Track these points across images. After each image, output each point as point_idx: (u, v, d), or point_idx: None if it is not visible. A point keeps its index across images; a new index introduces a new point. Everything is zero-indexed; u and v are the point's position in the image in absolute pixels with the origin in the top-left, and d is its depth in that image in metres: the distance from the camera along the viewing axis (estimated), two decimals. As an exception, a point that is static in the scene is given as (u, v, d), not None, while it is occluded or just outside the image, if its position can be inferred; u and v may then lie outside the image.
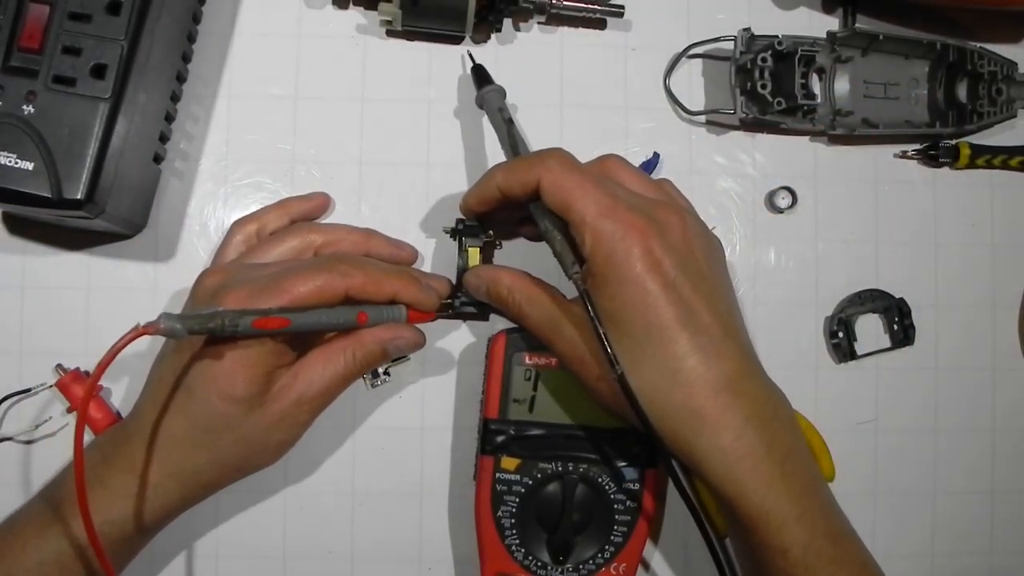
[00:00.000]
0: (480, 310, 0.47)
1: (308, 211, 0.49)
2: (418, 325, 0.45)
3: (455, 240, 0.48)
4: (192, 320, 0.36)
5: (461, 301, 0.47)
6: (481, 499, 0.46)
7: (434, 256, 0.50)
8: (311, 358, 0.42)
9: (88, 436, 0.48)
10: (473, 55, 0.50)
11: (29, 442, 0.48)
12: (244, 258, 0.44)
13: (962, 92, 0.52)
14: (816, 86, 0.51)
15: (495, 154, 0.51)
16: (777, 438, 0.39)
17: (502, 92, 0.49)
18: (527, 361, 0.46)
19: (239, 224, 0.47)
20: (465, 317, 0.49)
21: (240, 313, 0.37)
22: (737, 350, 0.39)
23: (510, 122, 0.47)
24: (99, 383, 0.48)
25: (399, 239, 0.49)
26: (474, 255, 0.47)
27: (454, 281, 0.47)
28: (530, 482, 0.46)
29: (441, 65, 0.51)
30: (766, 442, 0.38)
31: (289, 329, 0.38)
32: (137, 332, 0.35)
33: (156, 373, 0.42)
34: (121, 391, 0.48)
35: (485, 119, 0.50)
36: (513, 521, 0.45)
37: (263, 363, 0.40)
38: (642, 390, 0.38)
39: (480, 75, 0.50)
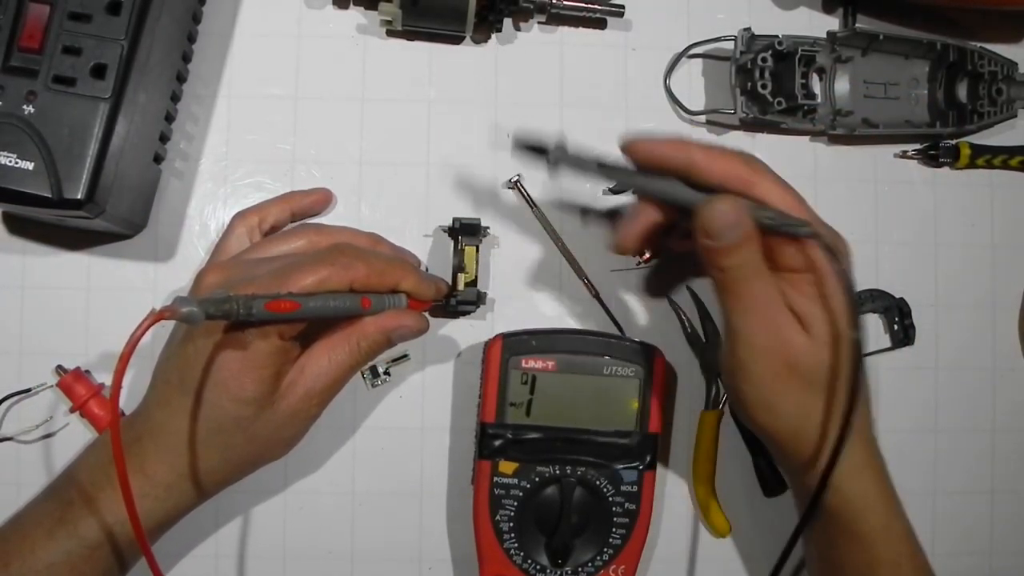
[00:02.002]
0: (475, 307, 0.48)
1: (310, 205, 0.49)
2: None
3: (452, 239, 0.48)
4: (208, 304, 0.35)
5: (458, 300, 0.47)
6: (479, 503, 0.46)
7: (433, 256, 0.50)
8: (315, 351, 0.42)
9: (92, 434, 0.48)
10: (513, 142, 0.43)
11: (29, 442, 0.48)
12: (246, 254, 0.44)
13: (962, 92, 0.52)
14: (816, 86, 0.51)
15: (495, 154, 0.51)
16: (880, 454, 0.42)
17: (562, 145, 0.42)
18: (524, 365, 0.46)
19: (240, 216, 0.47)
20: (461, 315, 0.50)
21: (252, 297, 0.37)
22: None
23: (598, 162, 0.41)
24: (100, 382, 0.48)
25: (403, 247, 0.49)
26: (470, 254, 0.47)
27: (449, 281, 0.47)
28: (528, 486, 0.46)
29: (441, 65, 0.51)
30: (880, 457, 0.41)
31: (299, 313, 0.38)
32: (155, 317, 0.34)
33: (162, 373, 0.42)
34: (124, 384, 0.48)
35: (487, 119, 0.51)
36: (511, 524, 0.45)
37: (270, 363, 0.40)
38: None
39: (532, 146, 0.42)
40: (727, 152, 0.40)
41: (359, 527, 0.49)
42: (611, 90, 0.52)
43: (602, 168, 0.41)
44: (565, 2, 0.50)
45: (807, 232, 0.38)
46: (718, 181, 0.39)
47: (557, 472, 0.46)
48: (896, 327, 0.52)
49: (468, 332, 0.50)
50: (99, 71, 0.41)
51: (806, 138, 0.53)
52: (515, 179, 0.50)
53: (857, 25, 0.52)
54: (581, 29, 0.52)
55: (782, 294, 0.39)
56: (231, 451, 0.41)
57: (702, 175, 0.39)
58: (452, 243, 0.48)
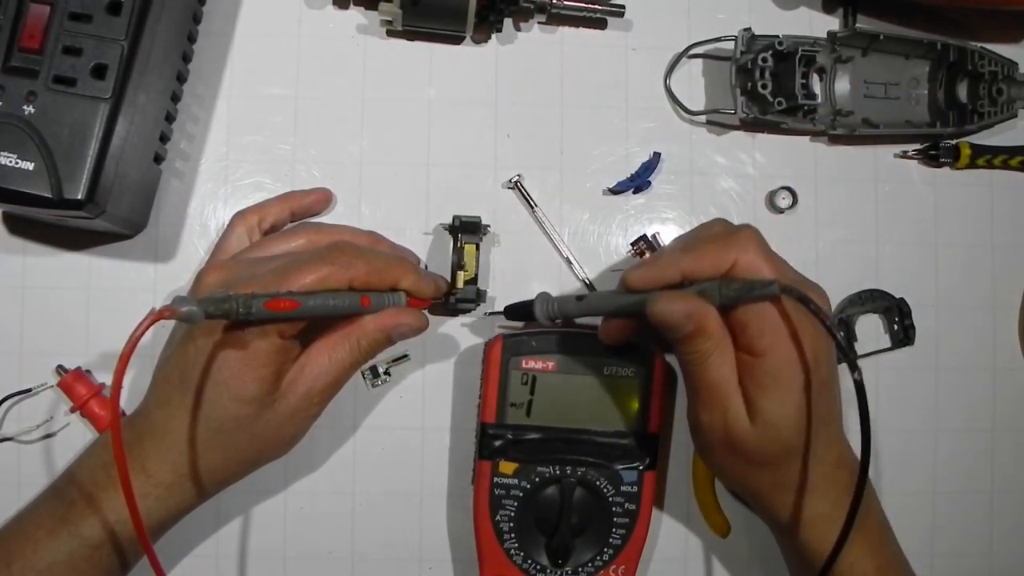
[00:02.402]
0: (475, 305, 0.48)
1: (309, 205, 0.49)
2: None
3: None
4: (208, 303, 0.36)
5: (457, 298, 0.47)
6: (479, 503, 0.46)
7: (434, 254, 0.50)
8: (316, 350, 0.42)
9: (92, 434, 0.48)
10: (504, 313, 0.48)
11: (30, 442, 0.48)
12: (245, 254, 0.44)
13: (962, 92, 0.52)
14: (816, 86, 0.51)
15: (494, 154, 0.51)
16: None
17: (545, 296, 0.46)
18: (524, 365, 0.46)
19: (240, 216, 0.47)
20: (460, 313, 0.50)
21: (252, 296, 0.37)
22: (842, 432, 0.43)
23: (579, 297, 0.45)
24: (100, 381, 0.48)
25: (402, 245, 0.49)
26: (470, 251, 0.47)
27: (449, 279, 0.47)
28: (528, 486, 0.46)
29: (441, 65, 0.51)
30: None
31: (299, 312, 0.38)
32: (155, 316, 0.34)
33: (162, 373, 0.42)
34: (124, 384, 0.48)
35: (487, 119, 0.51)
36: (512, 525, 0.45)
37: (270, 362, 0.40)
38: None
39: (518, 310, 0.47)
40: (710, 241, 0.41)
41: (359, 527, 0.49)
42: (611, 90, 0.52)
43: (580, 300, 0.44)
44: (565, 2, 0.50)
45: (774, 291, 0.38)
46: (712, 274, 0.40)
47: (557, 472, 0.46)
48: (896, 327, 0.52)
49: (469, 331, 0.50)
50: (99, 71, 0.41)
51: (806, 138, 0.53)
52: (515, 179, 0.50)
53: (857, 25, 0.52)
54: (581, 29, 0.52)
55: (740, 377, 0.40)
56: (232, 450, 0.42)
57: (699, 276, 0.40)
58: (452, 241, 0.48)
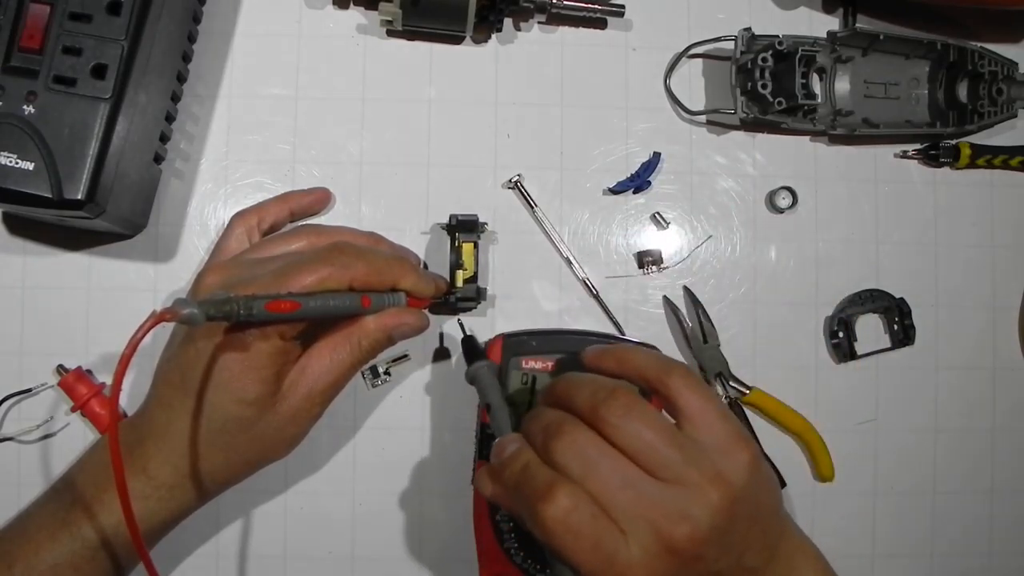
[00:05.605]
0: (475, 303, 0.48)
1: (308, 205, 0.49)
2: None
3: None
4: (209, 305, 0.35)
5: (457, 297, 0.47)
6: (479, 503, 0.46)
7: (434, 254, 0.50)
8: (317, 351, 0.42)
9: (93, 433, 0.48)
10: (464, 325, 0.47)
11: (30, 442, 0.48)
12: (246, 255, 0.44)
13: (962, 92, 0.52)
14: (817, 86, 0.51)
15: (494, 154, 0.51)
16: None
17: (493, 367, 0.44)
18: (524, 365, 0.46)
19: (240, 216, 0.47)
20: (461, 312, 0.50)
21: (253, 297, 0.37)
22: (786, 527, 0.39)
23: (507, 403, 0.42)
24: (100, 381, 0.48)
25: (403, 245, 0.49)
26: (468, 250, 0.47)
27: (448, 278, 0.47)
28: (529, 485, 0.45)
29: (441, 65, 0.51)
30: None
31: (300, 313, 0.38)
32: (156, 318, 0.34)
33: (163, 374, 0.42)
34: (125, 385, 0.48)
35: (487, 119, 0.51)
36: (512, 524, 0.45)
37: (271, 363, 0.40)
38: None
39: (471, 348, 0.45)
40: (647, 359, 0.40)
41: (359, 527, 0.49)
42: (611, 90, 0.52)
43: (491, 409, 0.41)
44: (565, 2, 0.50)
45: None
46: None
47: (557, 472, 0.45)
48: (896, 327, 0.52)
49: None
50: (99, 71, 0.41)
51: (806, 138, 0.53)
52: (515, 179, 0.50)
53: (857, 25, 0.52)
54: (581, 29, 0.52)
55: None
56: (234, 451, 0.42)
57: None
58: (449, 240, 0.48)
